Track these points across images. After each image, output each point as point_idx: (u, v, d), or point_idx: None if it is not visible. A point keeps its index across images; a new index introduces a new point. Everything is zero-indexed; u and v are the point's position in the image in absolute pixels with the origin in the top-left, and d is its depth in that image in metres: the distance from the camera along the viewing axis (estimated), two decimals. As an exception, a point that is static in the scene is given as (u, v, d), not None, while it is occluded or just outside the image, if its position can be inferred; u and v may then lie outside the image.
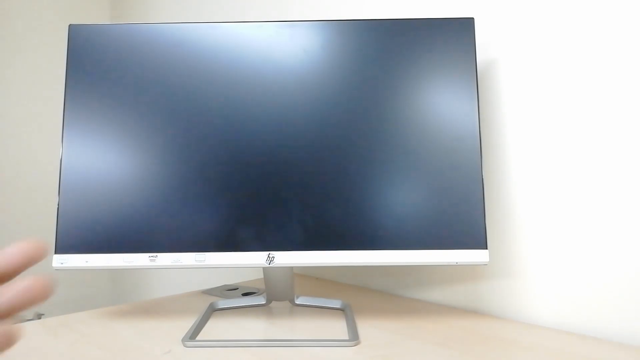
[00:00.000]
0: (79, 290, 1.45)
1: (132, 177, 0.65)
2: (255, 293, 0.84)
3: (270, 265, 0.62)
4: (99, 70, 0.66)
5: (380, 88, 0.65)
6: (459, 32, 0.65)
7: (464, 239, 0.62)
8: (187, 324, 0.67)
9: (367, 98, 0.65)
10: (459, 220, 0.62)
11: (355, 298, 0.79)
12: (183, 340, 0.59)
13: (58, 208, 0.64)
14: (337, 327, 0.64)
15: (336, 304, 0.73)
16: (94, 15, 1.52)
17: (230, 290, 0.87)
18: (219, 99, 0.65)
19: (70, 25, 0.67)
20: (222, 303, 0.74)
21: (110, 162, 0.65)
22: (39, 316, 1.10)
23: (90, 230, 0.64)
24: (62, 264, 0.63)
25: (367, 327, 0.64)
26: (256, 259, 0.63)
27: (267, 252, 0.63)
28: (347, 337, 0.60)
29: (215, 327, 0.65)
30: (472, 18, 0.65)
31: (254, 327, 0.66)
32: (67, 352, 0.57)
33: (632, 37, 0.59)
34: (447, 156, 0.63)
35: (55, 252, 0.63)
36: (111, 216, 0.64)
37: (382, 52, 0.66)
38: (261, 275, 0.99)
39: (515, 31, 0.69)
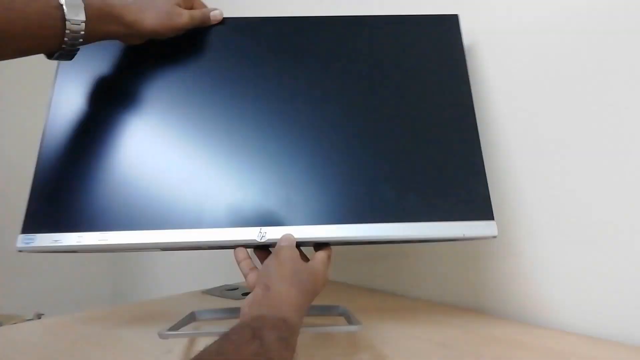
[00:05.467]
0: (79, 290, 1.45)
1: (112, 152, 0.62)
2: (255, 293, 0.84)
3: (262, 240, 0.57)
4: (88, 63, 0.65)
5: (375, 76, 0.65)
6: (445, 27, 0.67)
7: (468, 209, 0.58)
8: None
9: (363, 84, 0.65)
10: (461, 191, 0.59)
11: (356, 298, 0.79)
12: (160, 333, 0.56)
13: (32, 184, 0.60)
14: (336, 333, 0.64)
15: (334, 310, 0.67)
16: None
17: (231, 290, 0.86)
18: (205, 84, 0.65)
19: None
20: (204, 314, 0.66)
21: (89, 139, 0.62)
22: (39, 316, 1.10)
23: (63, 205, 0.59)
24: (27, 244, 0.57)
25: (367, 327, 0.64)
26: (248, 234, 0.57)
27: (259, 228, 0.58)
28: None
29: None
30: (457, 15, 0.68)
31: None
32: (67, 352, 0.57)
33: (618, 25, 0.59)
34: (444, 133, 0.62)
35: (22, 232, 0.57)
36: (87, 191, 0.60)
37: (375, 45, 0.67)
38: (261, 275, 0.98)
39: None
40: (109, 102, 0.65)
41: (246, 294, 0.83)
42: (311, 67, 0.66)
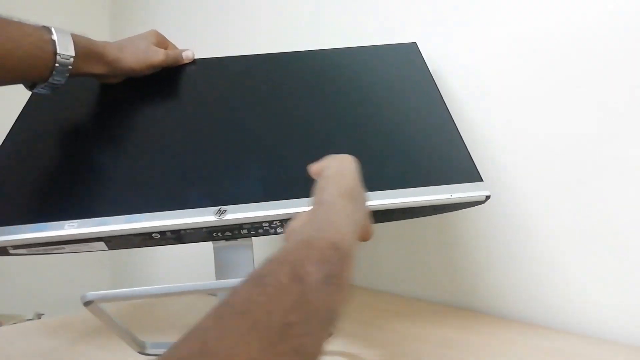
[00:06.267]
0: (79, 290, 1.45)
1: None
2: (255, 293, 0.84)
3: (220, 218, 0.50)
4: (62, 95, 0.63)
5: (349, 93, 0.67)
6: (408, 52, 0.73)
7: (453, 173, 0.55)
8: (186, 323, 0.66)
9: (340, 102, 0.66)
10: (443, 159, 0.57)
11: (356, 298, 0.79)
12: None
13: None
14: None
15: None
16: (94, 14, 1.52)
17: (230, 290, 0.86)
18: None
19: None
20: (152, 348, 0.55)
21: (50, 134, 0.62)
22: (39, 316, 1.10)
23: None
24: None
25: (367, 328, 0.64)
26: (203, 214, 0.51)
27: (218, 207, 0.51)
28: None
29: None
30: (415, 43, 0.73)
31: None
32: (67, 352, 0.57)
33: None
34: (421, 122, 0.63)
35: None
36: (35, 181, 0.55)
37: (346, 70, 0.71)
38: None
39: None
40: (73, 127, 0.65)
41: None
42: (286, 91, 0.68)
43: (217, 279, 0.60)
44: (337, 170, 0.44)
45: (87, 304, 0.45)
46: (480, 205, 0.60)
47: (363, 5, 0.86)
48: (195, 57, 0.72)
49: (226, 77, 0.70)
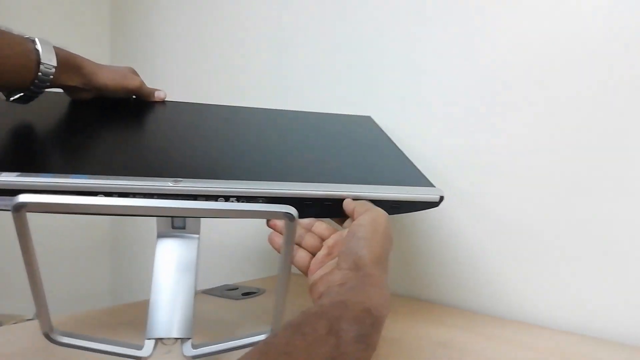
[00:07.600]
0: (79, 290, 1.45)
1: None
2: (255, 293, 0.84)
3: (176, 184, 0.50)
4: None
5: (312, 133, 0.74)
6: (364, 120, 0.81)
7: (408, 179, 0.60)
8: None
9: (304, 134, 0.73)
10: (396, 172, 0.62)
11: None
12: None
13: None
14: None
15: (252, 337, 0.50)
16: (93, 14, 1.52)
17: (230, 290, 0.86)
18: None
19: None
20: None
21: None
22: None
23: None
24: None
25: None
26: (158, 181, 0.50)
27: (174, 178, 0.51)
28: None
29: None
30: (369, 116, 0.83)
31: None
32: (67, 352, 0.57)
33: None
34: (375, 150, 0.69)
35: None
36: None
37: (303, 124, 0.77)
38: (262, 275, 0.99)
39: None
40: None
41: (246, 294, 0.83)
42: (252, 133, 0.71)
43: (155, 271, 0.58)
44: (371, 233, 0.47)
45: (18, 208, 0.36)
46: (479, 205, 0.60)
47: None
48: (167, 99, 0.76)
49: (195, 118, 0.74)
